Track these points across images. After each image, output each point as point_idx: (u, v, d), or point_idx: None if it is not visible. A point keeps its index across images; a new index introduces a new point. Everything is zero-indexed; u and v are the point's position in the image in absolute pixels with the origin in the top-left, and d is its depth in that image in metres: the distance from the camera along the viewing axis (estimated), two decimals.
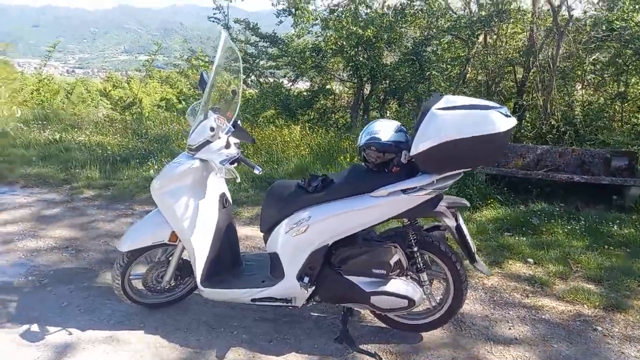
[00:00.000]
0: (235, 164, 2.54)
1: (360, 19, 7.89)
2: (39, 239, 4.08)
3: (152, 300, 2.97)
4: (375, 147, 2.34)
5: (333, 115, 9.80)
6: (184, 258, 2.84)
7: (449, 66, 8.27)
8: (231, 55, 2.78)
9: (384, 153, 2.34)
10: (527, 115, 8.93)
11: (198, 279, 2.68)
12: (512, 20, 8.00)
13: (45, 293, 3.15)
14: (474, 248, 2.51)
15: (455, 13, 8.56)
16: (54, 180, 5.71)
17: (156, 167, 6.05)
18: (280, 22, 9.69)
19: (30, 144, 6.98)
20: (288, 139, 6.60)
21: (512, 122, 2.09)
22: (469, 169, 2.35)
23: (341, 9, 8.55)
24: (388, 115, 8.44)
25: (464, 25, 7.90)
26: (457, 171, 2.27)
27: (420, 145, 2.12)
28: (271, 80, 9.94)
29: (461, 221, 2.46)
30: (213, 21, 9.37)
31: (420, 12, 8.17)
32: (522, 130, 9.32)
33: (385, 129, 2.36)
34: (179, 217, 2.58)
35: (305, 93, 9.64)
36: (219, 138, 2.56)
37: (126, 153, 6.56)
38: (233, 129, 2.67)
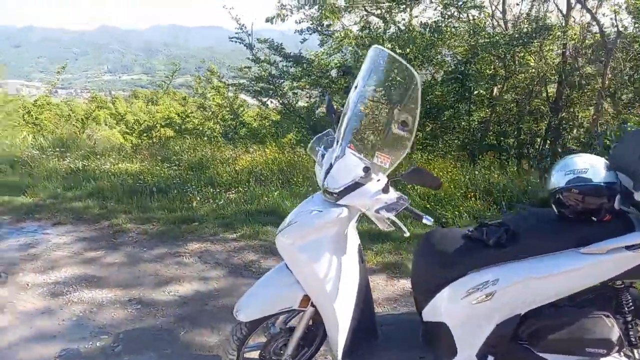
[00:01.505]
0: (394, 212, 2.05)
1: (398, 36, 7.58)
2: (93, 289, 3.53)
3: None
4: (583, 190, 1.90)
5: None
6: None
7: (487, 85, 7.97)
8: (392, 75, 2.29)
9: (592, 197, 1.90)
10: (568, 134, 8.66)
11: (339, 354, 2.17)
12: (550, 36, 7.75)
13: None
14: None
15: (493, 29, 8.32)
16: (88, 215, 5.14)
17: (198, 198, 5.53)
18: (304, 39, 9.33)
19: (51, 174, 6.40)
20: None
21: None
22: None
23: (373, 26, 8.24)
24: (423, 135, 8.09)
25: (504, 43, 7.62)
26: None
27: None
28: (294, 100, 9.54)
29: None
30: (235, 41, 8.96)
31: (456, 28, 7.89)
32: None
33: (594, 168, 1.92)
34: (320, 278, 2.08)
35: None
36: (376, 180, 2.07)
37: (160, 182, 6.03)
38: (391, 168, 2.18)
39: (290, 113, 9.09)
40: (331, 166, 2.14)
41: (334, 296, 2.10)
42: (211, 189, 5.77)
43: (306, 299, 2.20)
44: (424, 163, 6.26)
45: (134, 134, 9.56)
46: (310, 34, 9.12)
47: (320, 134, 2.41)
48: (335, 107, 2.41)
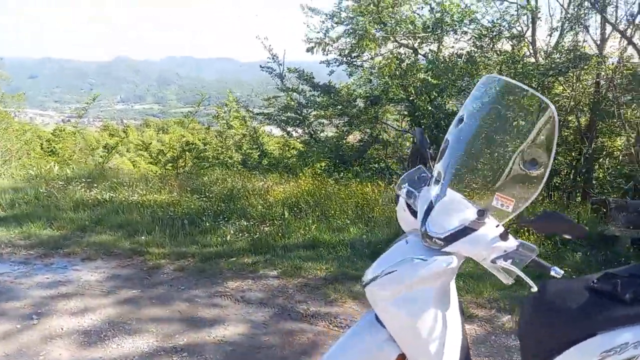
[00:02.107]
0: (515, 262, 1.76)
1: (430, 66, 7.46)
2: (134, 335, 3.25)
3: None
4: None
5: (385, 165, 9.18)
6: None
7: None
8: (511, 105, 2.03)
9: None
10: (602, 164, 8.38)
11: None
12: (587, 66, 7.57)
13: None
14: None
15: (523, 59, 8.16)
16: (119, 249, 4.90)
17: (232, 231, 5.28)
18: (332, 71, 9.26)
19: (78, 205, 6.20)
20: (368, 196, 5.88)
21: None
22: None
23: (402, 56, 8.14)
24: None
25: (538, 73, 7.44)
26: None
27: None
28: (320, 130, 9.40)
29: None
30: (266, 71, 8.90)
31: (489, 58, 7.75)
32: (594, 182, 8.70)
33: None
34: (422, 337, 1.79)
35: (357, 144, 9.07)
36: (493, 225, 1.79)
37: (191, 214, 5.80)
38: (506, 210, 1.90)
39: (317, 143, 8.93)
40: (431, 207, 1.88)
41: (438, 358, 1.81)
42: (244, 222, 5.52)
43: (401, 359, 1.92)
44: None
45: (158, 164, 9.43)
46: (338, 65, 9.04)
47: (409, 171, 2.16)
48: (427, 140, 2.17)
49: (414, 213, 2.06)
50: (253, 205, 5.91)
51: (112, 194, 6.49)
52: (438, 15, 7.96)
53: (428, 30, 7.62)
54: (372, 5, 7.78)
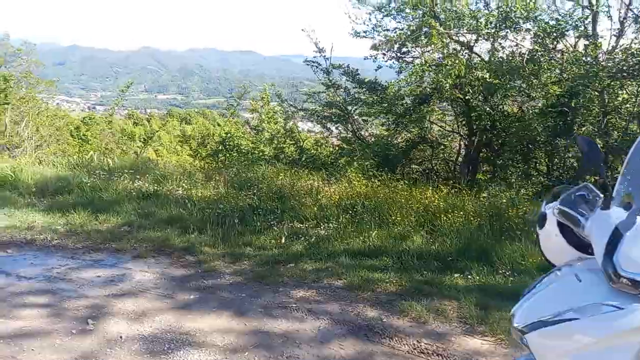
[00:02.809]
0: None
1: (489, 65, 7.03)
2: (201, 349, 2.94)
3: None
4: None
5: (431, 167, 8.75)
6: None
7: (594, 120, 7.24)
8: None
9: None
10: None
11: None
12: None
13: None
14: None
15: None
16: (171, 248, 4.62)
17: (285, 233, 4.96)
18: (379, 67, 8.86)
19: (122, 197, 5.97)
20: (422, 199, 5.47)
21: None
22: None
23: (459, 53, 7.70)
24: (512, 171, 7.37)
25: (606, 76, 6.93)
26: None
27: None
28: (364, 128, 9.00)
29: None
30: (311, 65, 8.54)
31: (552, 58, 7.27)
32: None
33: None
34: None
35: (403, 144, 8.66)
36: None
37: (240, 212, 5.51)
38: None
39: (361, 141, 8.55)
40: (616, 238, 1.49)
41: None
42: (298, 224, 5.20)
43: None
44: None
45: (198, 157, 9.18)
46: (386, 61, 8.64)
47: (565, 189, 1.77)
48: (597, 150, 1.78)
49: (571, 239, 1.70)
50: (305, 206, 5.59)
51: (156, 187, 6.25)
52: (497, 11, 7.48)
53: (491, 26, 7.17)
54: None
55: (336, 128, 9.03)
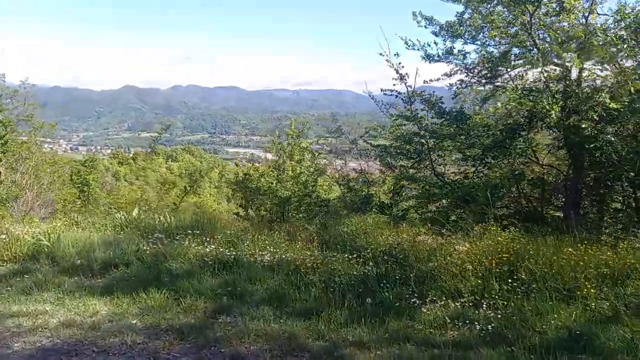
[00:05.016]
0: None
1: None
2: None
3: None
4: None
5: (531, 207, 7.51)
6: None
7: None
8: None
9: None
10: None
11: None
12: None
13: None
14: None
15: None
16: (303, 350, 3.29)
17: (439, 314, 3.68)
18: (456, 94, 7.83)
19: (197, 269, 4.63)
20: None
21: None
22: None
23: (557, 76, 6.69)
24: None
25: None
26: None
27: None
28: (442, 166, 7.82)
29: None
30: (390, 94, 7.40)
31: None
32: None
33: None
34: None
35: (492, 181, 7.47)
36: None
37: (361, 283, 4.24)
38: None
39: (442, 182, 7.36)
40: None
41: None
42: (448, 300, 3.93)
43: None
44: None
45: (256, 208, 7.89)
46: (464, 87, 7.61)
47: None
48: None
49: None
50: (441, 272, 4.32)
51: (234, 251, 4.92)
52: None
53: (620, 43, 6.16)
54: (524, 15, 6.39)
55: (412, 166, 7.79)
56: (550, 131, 7.18)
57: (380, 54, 6.97)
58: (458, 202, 7.44)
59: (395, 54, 7.02)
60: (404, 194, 8.72)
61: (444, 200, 7.68)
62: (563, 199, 7.35)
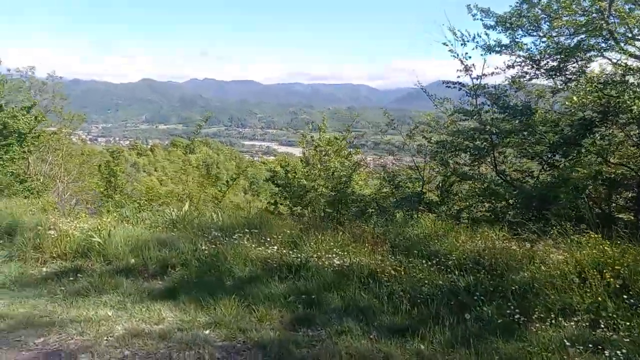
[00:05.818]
0: None
1: None
2: None
3: None
4: None
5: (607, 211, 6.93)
6: None
7: None
8: None
9: None
10: None
11: None
12: None
13: None
14: None
15: None
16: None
17: (567, 342, 3.20)
18: (519, 88, 7.29)
19: (261, 272, 4.22)
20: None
21: None
22: None
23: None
24: None
25: None
26: None
27: None
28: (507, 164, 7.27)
29: None
30: (453, 87, 6.92)
31: None
32: None
33: None
34: None
35: (554, 181, 6.93)
36: None
37: (451, 295, 3.78)
38: None
39: (504, 180, 6.85)
40: None
41: None
42: (559, 318, 3.45)
43: None
44: None
45: (287, 199, 7.50)
46: (529, 80, 7.06)
47: None
48: None
49: None
50: (540, 285, 3.83)
51: (298, 254, 4.50)
52: None
53: None
54: (602, 1, 5.82)
55: (472, 164, 7.28)
56: (626, 128, 6.59)
57: (444, 44, 6.47)
58: (530, 203, 6.87)
59: (461, 43, 6.51)
60: (456, 191, 8.21)
61: (509, 201, 7.12)
62: (634, 201, 6.75)
